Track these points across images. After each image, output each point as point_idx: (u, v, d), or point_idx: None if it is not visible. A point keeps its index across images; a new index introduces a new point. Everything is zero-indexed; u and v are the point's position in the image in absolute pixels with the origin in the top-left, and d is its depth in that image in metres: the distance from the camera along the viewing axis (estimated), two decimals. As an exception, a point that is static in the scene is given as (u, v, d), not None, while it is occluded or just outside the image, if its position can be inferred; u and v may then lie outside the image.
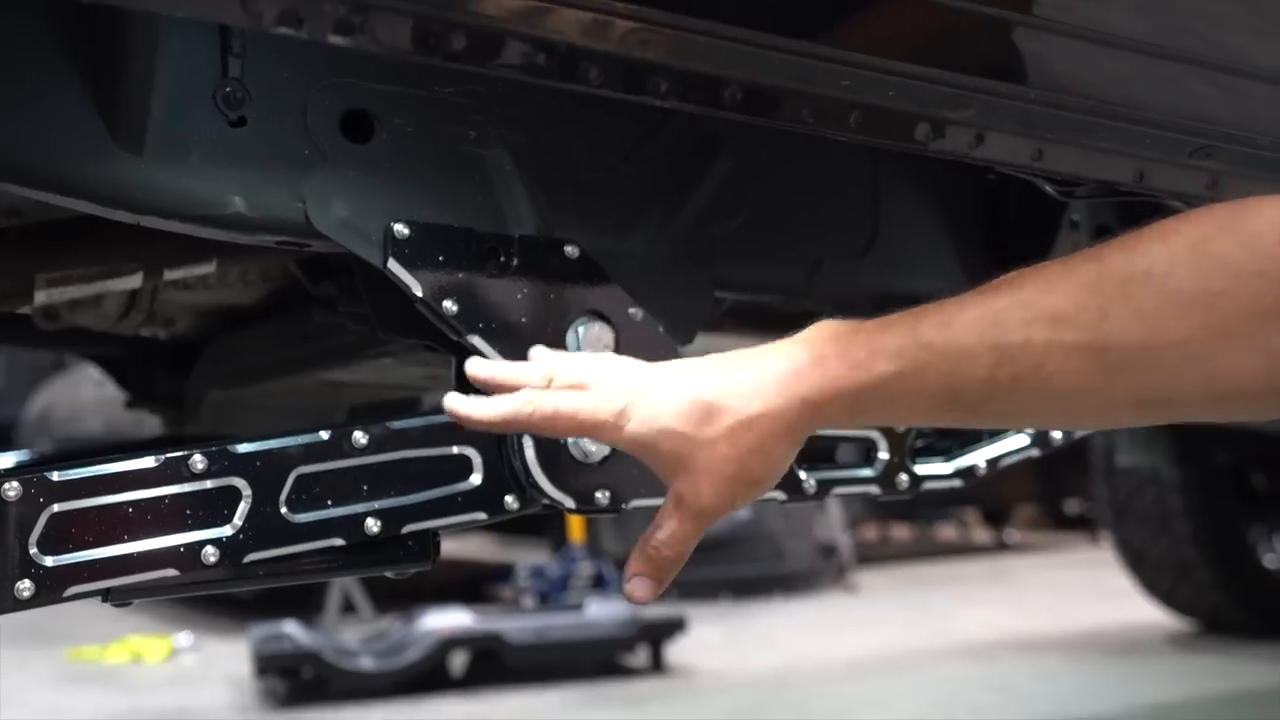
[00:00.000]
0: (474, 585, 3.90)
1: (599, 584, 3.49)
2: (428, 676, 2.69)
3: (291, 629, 2.66)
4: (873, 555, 5.41)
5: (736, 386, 0.75)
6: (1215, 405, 0.75)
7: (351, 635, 2.90)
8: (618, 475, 0.99)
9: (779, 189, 1.11)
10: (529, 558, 4.09)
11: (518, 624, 2.91)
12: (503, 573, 3.91)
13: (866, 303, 1.21)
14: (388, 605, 3.40)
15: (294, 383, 1.35)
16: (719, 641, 3.31)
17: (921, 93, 0.93)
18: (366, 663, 2.68)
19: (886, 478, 1.15)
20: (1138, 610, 3.43)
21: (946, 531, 6.70)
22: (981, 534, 6.64)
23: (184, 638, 3.26)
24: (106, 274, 1.06)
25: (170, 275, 1.09)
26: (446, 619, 2.82)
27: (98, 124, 0.84)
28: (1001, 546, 6.46)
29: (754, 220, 1.10)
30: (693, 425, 0.75)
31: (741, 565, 4.17)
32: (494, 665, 2.77)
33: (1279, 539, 3.24)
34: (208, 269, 1.11)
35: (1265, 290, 0.70)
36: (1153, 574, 3.25)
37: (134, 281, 1.09)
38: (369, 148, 0.92)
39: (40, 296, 1.06)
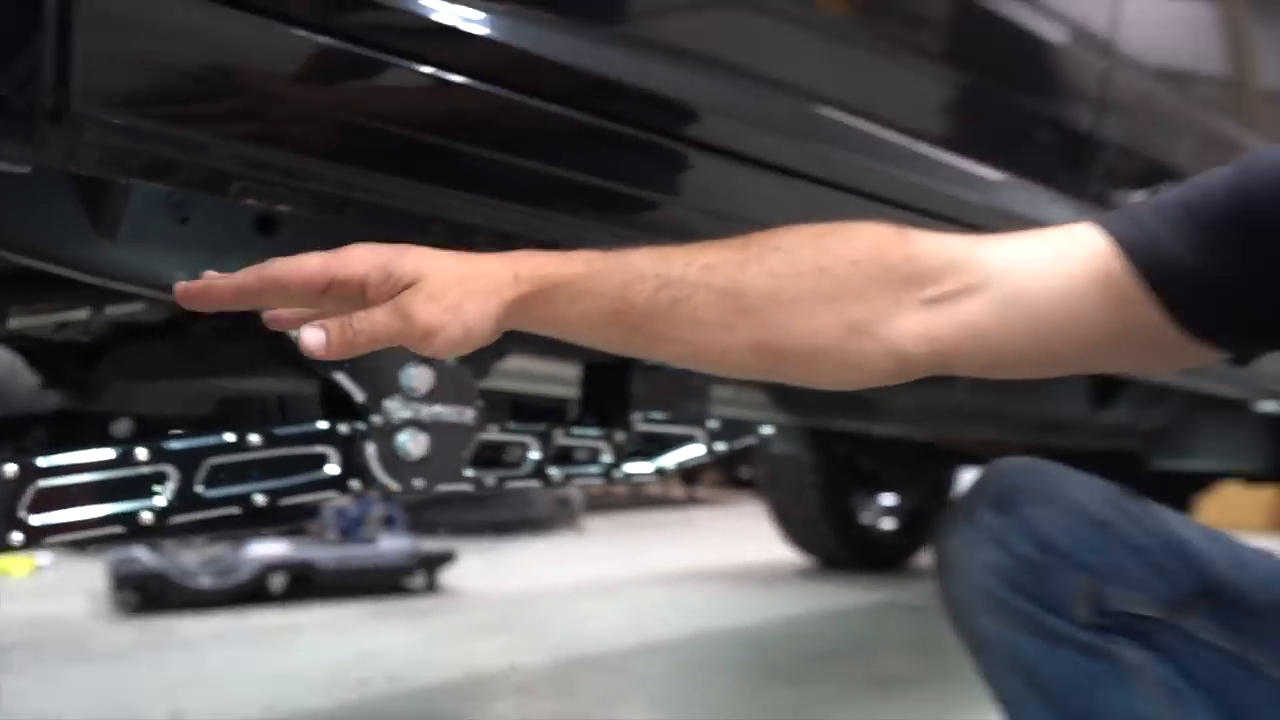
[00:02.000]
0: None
1: (389, 523, 3.50)
2: (253, 593, 2.72)
3: (141, 553, 2.65)
4: (598, 505, 5.49)
5: (479, 260, 0.71)
6: (807, 360, 0.75)
7: (191, 559, 2.88)
8: (431, 467, 1.14)
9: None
10: (333, 500, 4.05)
11: (324, 553, 2.93)
12: (313, 512, 3.89)
13: (608, 356, 1.35)
14: (220, 536, 3.36)
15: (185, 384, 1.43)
16: (480, 569, 3.39)
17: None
18: (204, 581, 2.68)
19: (607, 472, 1.31)
20: (780, 551, 3.65)
21: (654, 488, 6.82)
22: (679, 490, 6.81)
23: (45, 557, 3.14)
24: (65, 308, 1.15)
25: (110, 311, 1.18)
26: (268, 548, 2.83)
27: (84, 219, 0.92)
28: (692, 500, 6.67)
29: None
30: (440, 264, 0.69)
31: (499, 510, 4.23)
32: (306, 585, 2.81)
33: (872, 503, 3.50)
34: (139, 306, 1.20)
35: (854, 274, 0.73)
36: (791, 526, 3.48)
37: (83, 314, 1.17)
38: (275, 239, 1.01)
39: (13, 323, 1.13)
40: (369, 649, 2.29)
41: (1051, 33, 1.30)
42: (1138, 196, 1.56)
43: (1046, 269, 0.77)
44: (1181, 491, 3.29)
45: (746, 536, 4.49)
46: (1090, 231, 0.78)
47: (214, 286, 0.69)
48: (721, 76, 0.96)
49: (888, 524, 3.54)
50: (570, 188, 0.92)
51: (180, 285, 0.70)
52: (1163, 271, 0.76)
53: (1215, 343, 0.80)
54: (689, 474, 6.68)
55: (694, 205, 1.02)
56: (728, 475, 7.11)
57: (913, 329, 0.75)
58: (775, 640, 2.54)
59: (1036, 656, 0.82)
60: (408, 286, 0.67)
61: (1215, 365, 0.89)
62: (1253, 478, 2.83)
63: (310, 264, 0.68)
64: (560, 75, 0.86)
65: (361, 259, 0.68)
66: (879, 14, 1.11)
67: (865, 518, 3.47)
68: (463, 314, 0.67)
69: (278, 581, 2.80)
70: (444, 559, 3.08)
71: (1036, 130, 1.33)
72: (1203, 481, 3.16)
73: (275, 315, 0.76)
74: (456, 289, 0.68)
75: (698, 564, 3.75)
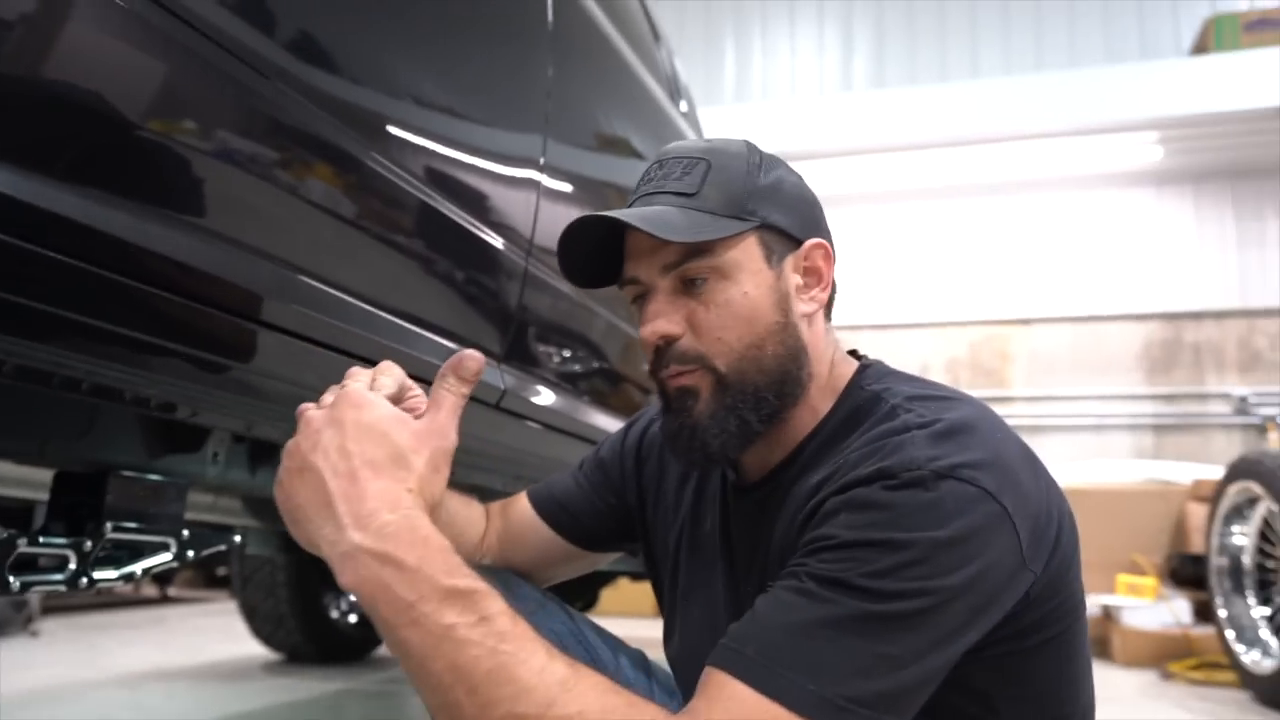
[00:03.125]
0: None
1: None
2: None
3: None
4: (59, 606, 4.78)
5: None
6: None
7: None
8: None
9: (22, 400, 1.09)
10: None
11: None
12: None
13: (83, 465, 1.24)
14: None
15: None
16: (-95, 680, 2.79)
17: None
18: None
19: (73, 580, 1.18)
20: (249, 647, 3.47)
21: (124, 586, 6.13)
22: (150, 589, 6.17)
23: None
24: None
25: None
26: None
27: None
28: (166, 599, 6.07)
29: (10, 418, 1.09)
30: None
31: (-65, 616, 3.51)
32: None
33: (340, 598, 3.41)
34: None
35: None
36: (261, 623, 3.32)
37: None
38: None
39: None
40: None
41: (490, 232, 1.52)
42: (554, 361, 1.84)
43: (531, 517, 1.13)
44: (592, 585, 3.72)
45: (218, 634, 4.20)
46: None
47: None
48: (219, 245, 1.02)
49: (354, 618, 3.50)
50: (74, 328, 0.91)
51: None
52: (543, 507, 1.13)
53: (588, 547, 1.14)
54: (164, 573, 6.13)
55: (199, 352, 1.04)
56: (204, 573, 6.63)
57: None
58: (234, 733, 2.40)
59: None
60: None
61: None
62: (636, 576, 3.27)
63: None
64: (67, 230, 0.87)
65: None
66: (357, 203, 1.25)
67: (333, 613, 3.41)
68: None
69: None
70: None
71: (475, 305, 1.54)
72: (605, 578, 3.58)
73: None
74: None
75: (164, 663, 3.43)
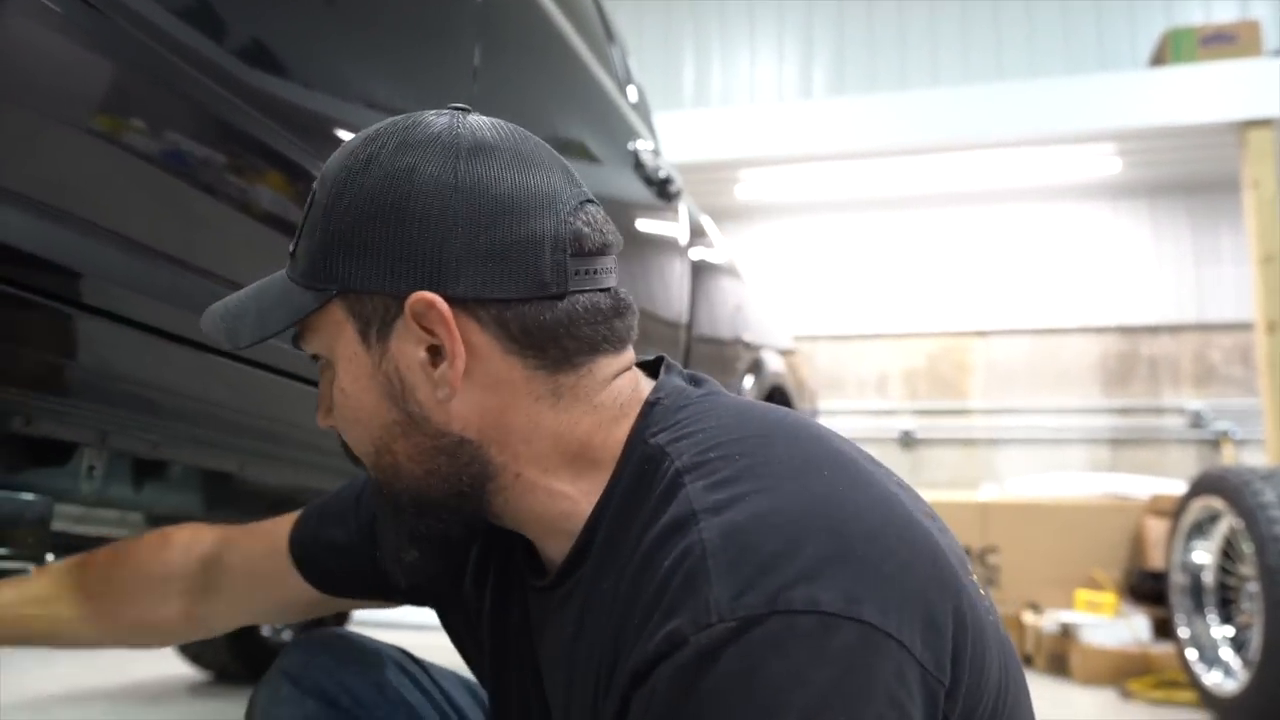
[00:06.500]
0: None
1: None
2: None
3: None
4: None
5: None
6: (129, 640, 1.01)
7: None
8: None
9: None
10: None
11: None
12: None
13: None
14: None
15: None
16: None
17: None
18: None
19: None
20: (176, 666, 3.30)
21: None
22: None
23: None
24: None
25: None
26: None
27: None
28: None
29: None
30: None
31: None
32: None
33: None
34: None
35: (140, 582, 0.97)
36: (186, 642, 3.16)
37: None
38: None
39: None
40: None
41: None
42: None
43: (267, 557, 0.93)
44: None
45: (143, 651, 3.77)
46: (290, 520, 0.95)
47: None
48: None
49: (288, 635, 3.29)
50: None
51: None
52: (297, 547, 0.92)
53: (336, 593, 0.93)
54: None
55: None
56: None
57: (173, 615, 0.94)
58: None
59: None
60: None
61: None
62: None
63: None
64: None
65: None
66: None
67: (264, 630, 3.23)
68: None
69: None
70: None
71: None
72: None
73: None
74: None
75: (83, 683, 3.21)
